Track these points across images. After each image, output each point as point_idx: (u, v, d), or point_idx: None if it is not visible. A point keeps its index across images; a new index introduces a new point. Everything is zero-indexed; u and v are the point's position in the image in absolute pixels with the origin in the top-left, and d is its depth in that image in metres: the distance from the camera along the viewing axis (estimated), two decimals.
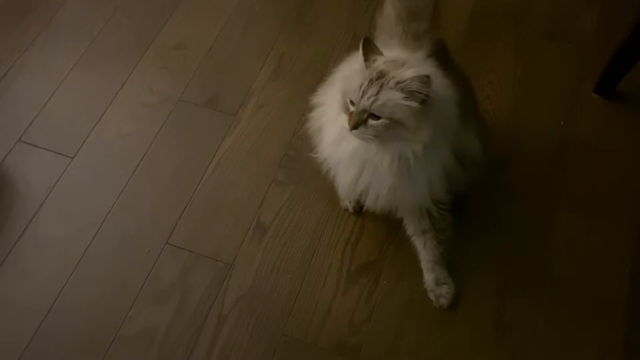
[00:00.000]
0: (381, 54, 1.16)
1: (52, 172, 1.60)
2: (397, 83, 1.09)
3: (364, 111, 1.12)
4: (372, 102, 1.10)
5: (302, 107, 1.65)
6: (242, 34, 1.87)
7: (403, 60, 1.15)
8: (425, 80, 1.08)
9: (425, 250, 1.40)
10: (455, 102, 1.19)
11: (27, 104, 1.72)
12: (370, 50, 1.15)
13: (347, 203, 1.51)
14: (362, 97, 1.11)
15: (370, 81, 1.11)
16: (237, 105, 1.72)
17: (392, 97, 1.09)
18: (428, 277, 1.41)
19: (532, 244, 1.49)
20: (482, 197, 1.53)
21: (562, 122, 1.67)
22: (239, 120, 1.69)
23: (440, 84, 1.15)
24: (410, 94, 1.09)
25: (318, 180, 1.51)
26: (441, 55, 1.29)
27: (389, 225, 1.48)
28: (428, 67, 1.17)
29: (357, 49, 1.17)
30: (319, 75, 1.75)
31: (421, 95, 1.09)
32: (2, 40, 1.84)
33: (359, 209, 1.50)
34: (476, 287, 1.43)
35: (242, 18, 1.91)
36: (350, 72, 1.18)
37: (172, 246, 1.49)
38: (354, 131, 1.13)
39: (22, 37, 1.85)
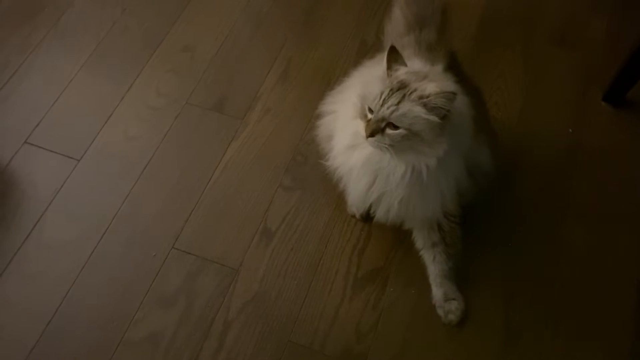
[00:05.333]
0: (405, 64, 1.16)
1: (58, 175, 1.59)
2: (420, 97, 1.09)
3: (382, 119, 1.11)
4: (392, 112, 1.10)
5: (309, 112, 1.65)
6: (250, 38, 1.87)
7: (424, 73, 1.14)
8: (452, 97, 1.08)
9: (434, 265, 1.39)
10: (472, 119, 1.18)
11: (33, 106, 1.72)
12: (394, 59, 1.14)
13: (355, 209, 1.50)
14: (382, 105, 1.10)
15: (391, 90, 1.10)
16: (245, 109, 1.71)
17: (414, 110, 1.09)
18: (437, 293, 1.39)
19: (540, 253, 1.48)
20: (490, 205, 1.52)
21: (570, 130, 1.66)
22: (246, 124, 1.69)
23: (461, 101, 1.15)
24: (432, 108, 1.08)
25: (325, 185, 1.50)
26: (454, 67, 1.29)
27: (396, 231, 1.47)
28: (451, 83, 1.17)
29: (369, 54, 1.16)
30: (327, 80, 1.75)
31: (443, 110, 1.09)
32: (10, 41, 1.84)
33: (366, 215, 1.49)
34: (483, 295, 1.42)
35: (250, 21, 1.90)
36: (370, 78, 1.17)
37: (178, 250, 1.48)
38: (370, 139, 1.13)
39: (30, 37, 1.85)
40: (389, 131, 1.12)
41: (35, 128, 1.67)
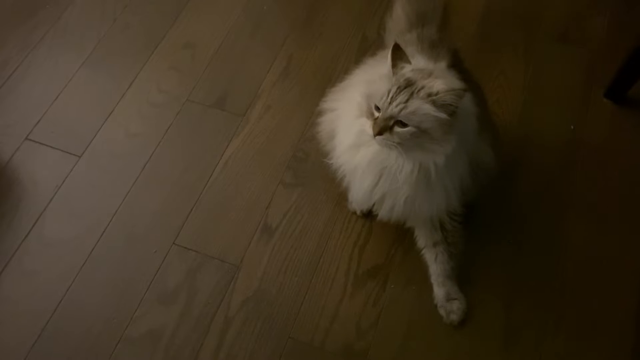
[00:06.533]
0: (409, 62, 1.15)
1: (59, 171, 1.59)
2: (429, 95, 1.08)
3: (390, 117, 1.11)
4: (401, 110, 1.09)
5: (310, 109, 1.65)
6: (251, 35, 1.86)
7: (430, 71, 1.14)
8: (461, 94, 1.08)
9: (436, 264, 1.39)
10: (476, 115, 1.18)
11: (34, 102, 1.72)
12: (399, 57, 1.14)
13: (356, 206, 1.50)
14: (390, 103, 1.10)
15: (399, 88, 1.10)
16: (245, 106, 1.71)
17: (422, 107, 1.09)
18: (439, 293, 1.39)
19: (541, 252, 1.48)
20: (491, 203, 1.52)
21: (572, 127, 1.66)
22: (247, 121, 1.68)
23: (466, 98, 1.15)
24: (442, 105, 1.08)
25: (326, 182, 1.50)
26: (457, 64, 1.28)
27: (396, 228, 1.46)
28: (457, 81, 1.17)
29: (370, 51, 1.15)
30: (328, 77, 1.75)
31: (452, 107, 1.08)
32: (11, 38, 1.84)
33: (367, 212, 1.49)
34: (484, 294, 1.41)
35: (251, 18, 1.90)
36: (375, 76, 1.16)
37: (179, 247, 1.48)
38: (377, 137, 1.12)
39: (31, 34, 1.85)
40: (397, 129, 1.11)
41: (37, 124, 1.67)
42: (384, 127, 1.11)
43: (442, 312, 1.37)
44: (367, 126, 1.14)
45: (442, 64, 1.23)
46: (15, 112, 1.70)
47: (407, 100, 1.09)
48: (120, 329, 1.37)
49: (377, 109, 1.12)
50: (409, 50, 1.22)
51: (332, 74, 1.76)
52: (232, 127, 1.67)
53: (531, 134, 1.65)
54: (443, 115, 1.09)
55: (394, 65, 1.13)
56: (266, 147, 1.64)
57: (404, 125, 1.10)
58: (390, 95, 1.10)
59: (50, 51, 1.82)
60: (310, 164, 1.60)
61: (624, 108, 1.69)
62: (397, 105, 1.09)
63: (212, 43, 1.84)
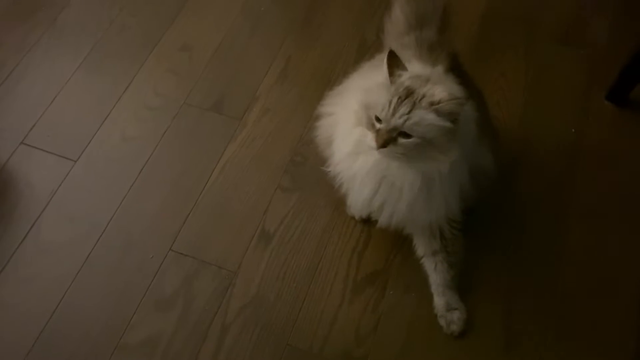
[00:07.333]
0: (406, 68, 1.13)
1: (55, 176, 1.58)
2: (431, 103, 1.07)
3: (394, 129, 1.08)
4: (405, 121, 1.07)
5: (309, 112, 1.63)
6: (249, 37, 1.85)
7: (427, 76, 1.12)
8: (463, 102, 1.07)
9: (436, 274, 1.37)
10: (475, 122, 1.17)
11: (30, 106, 1.70)
12: (395, 64, 1.11)
13: (354, 211, 1.48)
14: (392, 115, 1.08)
15: (400, 98, 1.08)
16: (243, 109, 1.70)
17: (426, 117, 1.07)
18: (439, 302, 1.37)
19: (542, 253, 1.47)
20: (490, 209, 1.50)
21: (573, 130, 1.65)
22: (244, 124, 1.67)
23: (467, 104, 1.13)
24: (444, 114, 1.06)
25: (324, 186, 1.48)
26: (456, 68, 1.26)
27: (396, 234, 1.44)
28: (455, 86, 1.15)
29: (368, 53, 1.13)
30: (326, 79, 1.73)
31: (455, 115, 1.07)
32: (7, 41, 1.83)
33: (366, 217, 1.48)
34: (485, 299, 1.40)
35: (249, 20, 1.88)
36: (372, 84, 1.14)
37: (176, 252, 1.47)
38: (381, 149, 1.10)
39: (27, 37, 1.83)
40: (401, 140, 1.09)
41: (32, 129, 1.66)
42: (387, 139, 1.09)
43: (442, 322, 1.36)
44: (369, 138, 1.11)
45: (440, 68, 1.21)
46: (11, 115, 1.69)
47: (409, 111, 1.07)
48: (116, 336, 1.36)
49: (378, 120, 1.10)
50: (405, 54, 1.21)
51: (330, 76, 1.75)
52: (230, 130, 1.66)
53: (531, 136, 1.64)
54: (447, 124, 1.07)
55: (391, 73, 1.11)
56: (264, 151, 1.62)
57: (407, 136, 1.08)
58: (392, 107, 1.07)
59: (46, 54, 1.81)
60: (309, 168, 1.58)
61: (625, 110, 1.68)
62: (400, 117, 1.07)
63: (209, 45, 1.83)
